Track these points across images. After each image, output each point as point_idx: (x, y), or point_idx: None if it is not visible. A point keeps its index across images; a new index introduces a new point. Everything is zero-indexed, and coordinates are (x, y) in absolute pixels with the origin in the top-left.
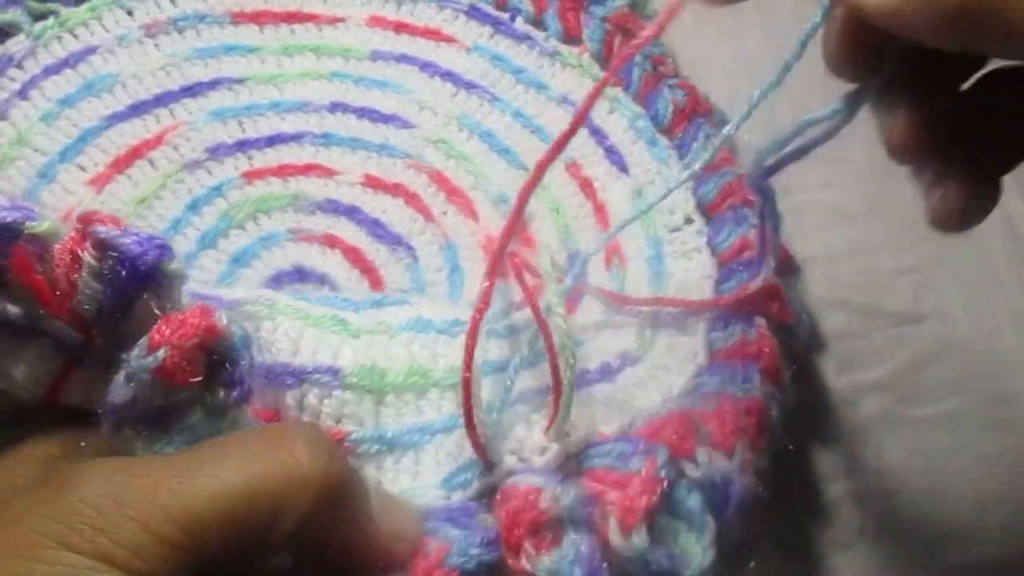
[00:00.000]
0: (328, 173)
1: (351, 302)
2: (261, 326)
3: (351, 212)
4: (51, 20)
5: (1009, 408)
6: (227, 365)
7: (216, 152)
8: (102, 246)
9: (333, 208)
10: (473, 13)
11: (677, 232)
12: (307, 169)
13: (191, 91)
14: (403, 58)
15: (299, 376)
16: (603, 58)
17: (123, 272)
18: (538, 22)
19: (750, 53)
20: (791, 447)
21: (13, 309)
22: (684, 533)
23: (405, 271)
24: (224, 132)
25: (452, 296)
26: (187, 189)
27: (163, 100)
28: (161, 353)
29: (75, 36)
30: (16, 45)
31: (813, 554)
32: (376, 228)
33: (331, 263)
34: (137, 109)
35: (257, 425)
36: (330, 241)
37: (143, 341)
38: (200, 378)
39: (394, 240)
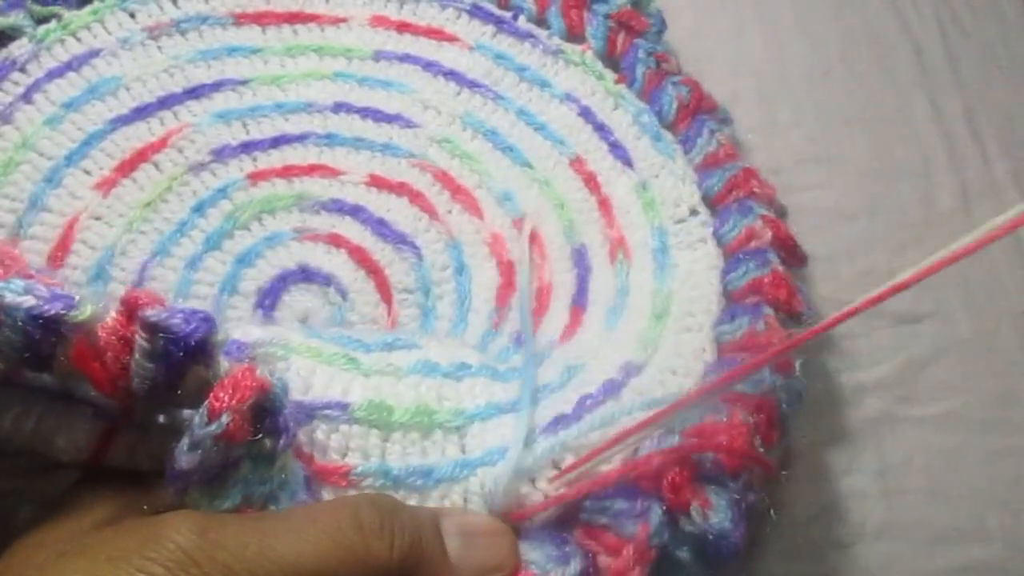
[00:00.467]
0: (332, 173)
1: (363, 343)
2: (276, 367)
3: (356, 212)
4: (54, 23)
5: (1009, 408)
6: (272, 415)
7: (221, 154)
8: (152, 328)
9: (338, 208)
10: (475, 12)
11: (682, 223)
12: (311, 169)
13: (195, 93)
14: (406, 58)
15: (309, 412)
16: (606, 55)
17: (176, 351)
18: (541, 20)
19: (751, 52)
20: (804, 437)
21: (49, 379)
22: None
23: (410, 270)
24: (228, 134)
25: (459, 294)
26: (192, 192)
27: (167, 102)
28: (224, 419)
29: (78, 39)
30: (19, 49)
31: (813, 554)
32: (381, 227)
33: (336, 263)
34: (141, 112)
35: (300, 468)
36: (335, 241)
37: (203, 409)
38: (251, 432)
39: (399, 239)
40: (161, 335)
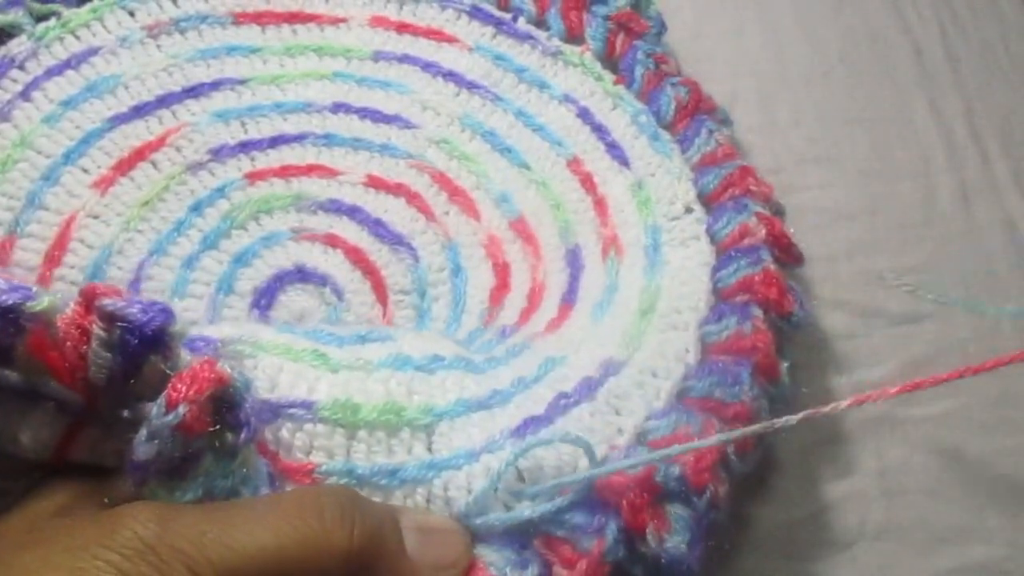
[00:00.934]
0: (330, 173)
1: (335, 336)
2: (243, 364)
3: (353, 212)
4: (53, 21)
5: (1009, 408)
6: (233, 409)
7: (219, 153)
8: (110, 318)
9: (335, 208)
10: (475, 13)
11: (676, 221)
12: (309, 170)
13: (193, 92)
14: (405, 58)
15: (275, 411)
16: (605, 57)
17: (132, 340)
18: (540, 22)
19: (751, 52)
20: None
21: (12, 375)
22: None
23: (407, 271)
24: (227, 133)
25: (454, 296)
26: (190, 191)
27: (166, 101)
28: (181, 409)
29: (77, 37)
30: (18, 46)
31: (813, 554)
32: (378, 228)
33: (333, 263)
34: (140, 110)
35: (263, 463)
36: (332, 241)
37: (161, 400)
38: (210, 425)
39: (396, 240)
40: (118, 325)
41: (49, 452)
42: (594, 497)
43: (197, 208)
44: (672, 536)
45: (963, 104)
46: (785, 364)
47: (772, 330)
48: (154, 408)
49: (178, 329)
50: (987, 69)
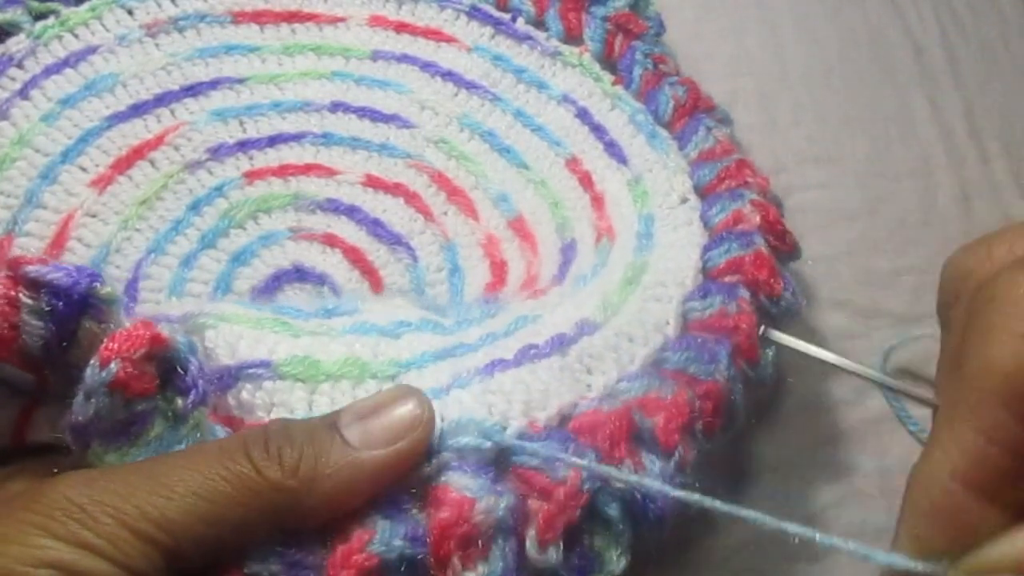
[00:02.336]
0: (329, 173)
1: (301, 311)
2: (205, 336)
3: (351, 212)
4: (52, 19)
5: None
6: (179, 372)
7: (217, 152)
8: (35, 285)
9: (334, 208)
10: (474, 14)
11: (671, 210)
12: (308, 169)
13: (192, 91)
14: (404, 58)
15: (235, 374)
16: (604, 58)
17: (60, 304)
18: (539, 23)
19: (750, 52)
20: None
21: None
22: (601, 536)
23: (405, 271)
24: (225, 132)
25: (452, 296)
26: (188, 190)
27: (164, 100)
28: (113, 366)
29: (76, 36)
30: (17, 44)
31: (813, 554)
32: (376, 228)
33: (331, 262)
34: (138, 109)
35: (220, 429)
36: (330, 240)
37: (95, 359)
38: (154, 388)
39: (394, 240)
40: (44, 291)
41: (6, 433)
42: (566, 431)
43: (195, 207)
44: (647, 474)
45: (963, 104)
46: (770, 351)
47: (760, 315)
48: (88, 368)
49: (108, 292)
50: (987, 69)
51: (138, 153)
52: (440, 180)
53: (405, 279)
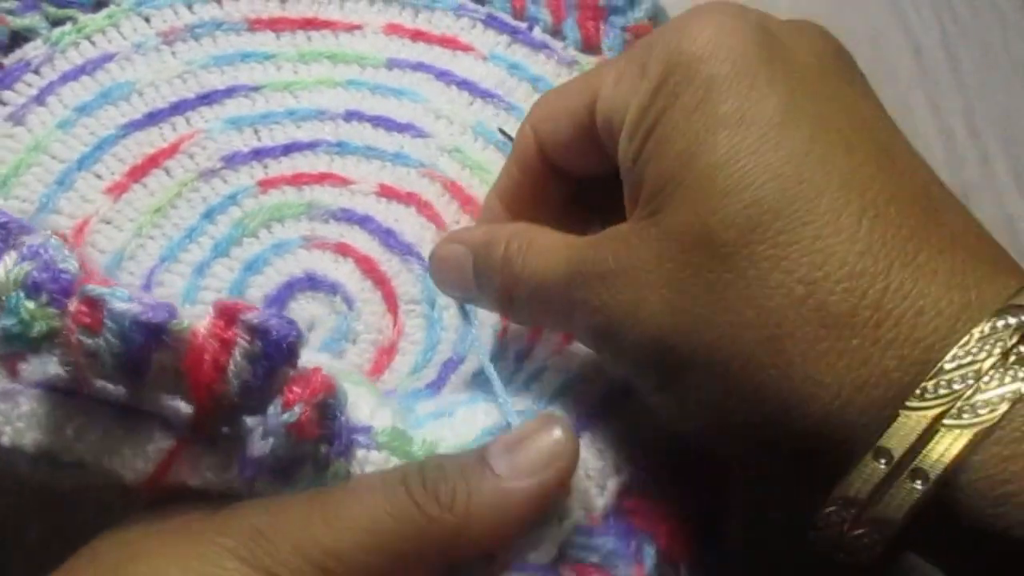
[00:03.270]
0: (343, 182)
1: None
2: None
3: (365, 221)
4: (69, 26)
5: None
6: (332, 419)
7: (231, 161)
8: (253, 331)
9: (347, 217)
10: (490, 22)
11: None
12: (322, 178)
13: (207, 99)
14: (419, 66)
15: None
16: None
17: (271, 352)
18: (556, 32)
19: None
20: None
21: (117, 390)
22: None
23: (416, 281)
24: (240, 140)
25: (464, 305)
26: (202, 198)
27: (179, 108)
28: (297, 409)
29: (92, 43)
30: (34, 50)
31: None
32: (389, 238)
33: (343, 272)
34: (153, 117)
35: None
36: (343, 250)
37: (278, 400)
38: (318, 433)
39: (406, 250)
40: (260, 337)
41: (151, 468)
42: (623, 522)
43: (209, 215)
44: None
45: (963, 104)
46: None
47: None
48: (271, 407)
49: (304, 342)
50: (987, 69)
51: (153, 161)
52: (453, 189)
53: (417, 288)
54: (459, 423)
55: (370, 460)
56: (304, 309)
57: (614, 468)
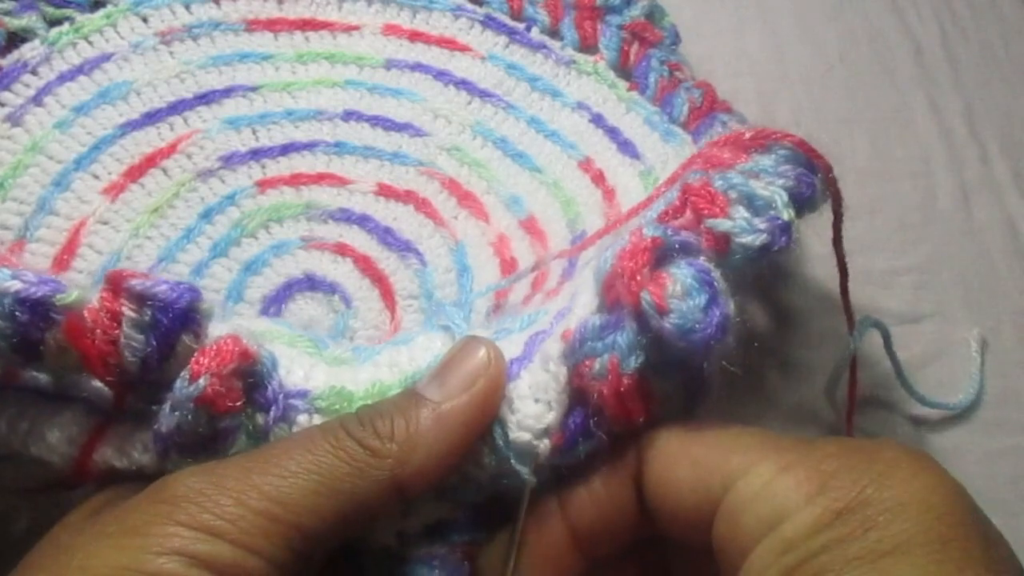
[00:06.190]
0: (341, 182)
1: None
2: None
3: (363, 221)
4: (66, 26)
5: (1009, 408)
6: (260, 388)
7: (230, 161)
8: (139, 298)
9: (345, 217)
10: (488, 23)
11: None
12: (320, 178)
13: (205, 99)
14: (418, 66)
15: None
16: (619, 66)
17: (163, 319)
18: (554, 32)
19: (751, 51)
20: None
21: (43, 378)
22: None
23: (414, 277)
24: (238, 140)
25: (460, 296)
26: (200, 198)
27: (177, 108)
28: (202, 381)
29: (90, 43)
30: (31, 51)
31: None
32: (387, 236)
33: (342, 271)
34: (151, 117)
35: None
36: (341, 250)
37: (185, 372)
38: (240, 404)
39: (404, 246)
40: (148, 304)
41: (75, 449)
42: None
43: (207, 215)
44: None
45: (963, 104)
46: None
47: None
48: (178, 380)
49: (207, 307)
50: (987, 69)
51: (151, 161)
52: (451, 186)
53: (414, 283)
54: (417, 348)
55: (313, 424)
56: (303, 310)
57: None
